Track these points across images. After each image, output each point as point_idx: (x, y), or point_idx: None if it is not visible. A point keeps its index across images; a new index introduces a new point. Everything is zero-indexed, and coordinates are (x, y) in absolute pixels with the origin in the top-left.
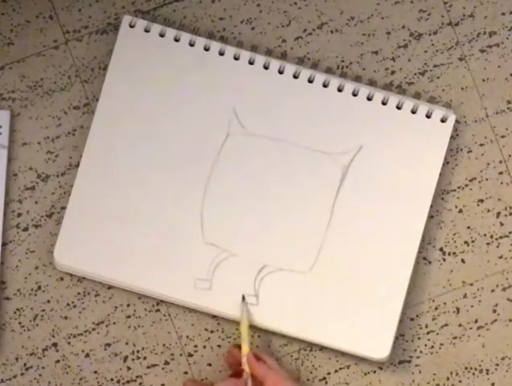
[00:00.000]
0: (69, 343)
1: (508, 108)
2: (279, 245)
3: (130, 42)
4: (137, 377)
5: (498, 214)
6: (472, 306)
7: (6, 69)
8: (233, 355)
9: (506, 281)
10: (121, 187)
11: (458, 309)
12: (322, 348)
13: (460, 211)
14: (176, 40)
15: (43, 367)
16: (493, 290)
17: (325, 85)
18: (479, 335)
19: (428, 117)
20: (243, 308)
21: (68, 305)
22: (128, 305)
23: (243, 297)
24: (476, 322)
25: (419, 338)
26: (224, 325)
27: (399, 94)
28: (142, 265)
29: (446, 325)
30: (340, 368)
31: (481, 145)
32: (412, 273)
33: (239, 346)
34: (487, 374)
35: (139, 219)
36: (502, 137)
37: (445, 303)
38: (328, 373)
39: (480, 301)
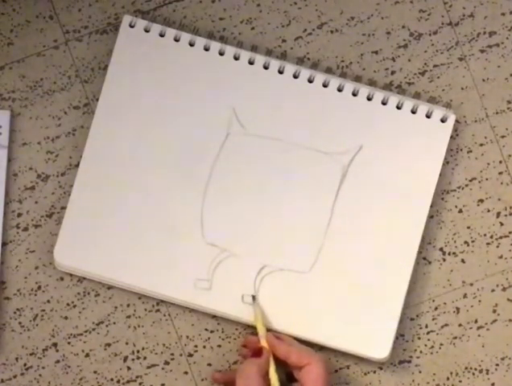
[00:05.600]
0: (69, 343)
1: (508, 108)
2: (279, 245)
3: (130, 42)
4: (137, 377)
5: (498, 214)
6: (472, 306)
7: (6, 69)
8: (249, 341)
9: (506, 281)
10: (121, 187)
11: (458, 309)
12: (322, 348)
13: (460, 211)
14: (176, 40)
15: (43, 367)
16: (493, 290)
17: (325, 85)
18: (479, 335)
19: (428, 117)
20: (255, 304)
21: (68, 305)
22: (128, 305)
23: (253, 297)
24: (476, 322)
25: (419, 338)
26: (224, 325)
27: (399, 94)
28: (142, 265)
29: (446, 325)
30: (340, 368)
31: (481, 145)
32: (412, 273)
33: (253, 334)
34: (487, 374)
35: (139, 219)
36: (502, 137)
37: (445, 303)
38: (328, 373)
39: (480, 301)
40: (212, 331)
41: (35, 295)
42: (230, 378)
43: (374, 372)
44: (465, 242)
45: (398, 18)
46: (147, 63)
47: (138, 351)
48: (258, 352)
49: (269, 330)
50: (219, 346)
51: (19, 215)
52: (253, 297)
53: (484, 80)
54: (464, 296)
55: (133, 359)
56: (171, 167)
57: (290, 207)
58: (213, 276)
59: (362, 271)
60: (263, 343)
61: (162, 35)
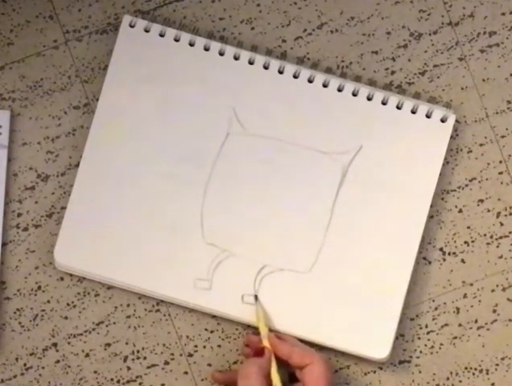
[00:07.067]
0: (69, 343)
1: (508, 108)
2: (279, 245)
3: (130, 42)
4: (137, 377)
5: (498, 214)
6: (472, 306)
7: (6, 69)
8: (251, 340)
9: (506, 281)
10: (121, 187)
11: (458, 309)
12: (322, 348)
13: (460, 211)
14: (176, 40)
15: (43, 367)
16: (493, 290)
17: (325, 85)
18: (479, 335)
19: (428, 117)
20: (257, 304)
21: (68, 305)
22: (128, 305)
23: (255, 297)
24: (476, 322)
25: (419, 338)
26: (224, 325)
27: (399, 94)
28: (142, 265)
29: (446, 325)
30: (340, 368)
31: (481, 145)
32: (412, 273)
33: (255, 333)
34: (487, 374)
35: (139, 220)
36: (502, 137)
37: (445, 303)
38: (331, 373)
39: (480, 301)
40: (212, 331)
41: (35, 295)
42: (230, 378)
43: (374, 372)
44: (465, 242)
45: (398, 18)
46: (147, 63)
47: (138, 351)
48: (259, 352)
49: (270, 330)
50: (219, 346)
51: (19, 215)
52: (256, 297)
53: (484, 80)
54: (464, 296)
55: (133, 359)
56: (171, 167)
57: (290, 207)
58: (213, 276)
59: (362, 271)
60: (265, 343)
61: (162, 35)
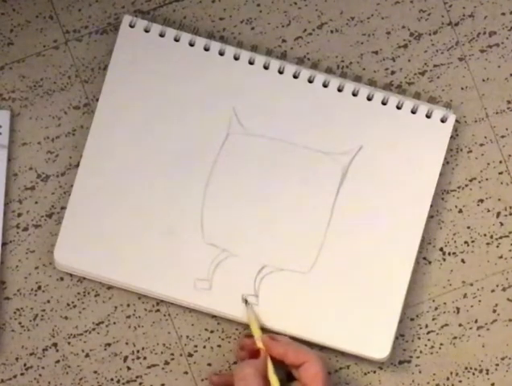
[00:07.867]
0: (69, 343)
1: (508, 108)
2: (279, 245)
3: (130, 42)
4: (137, 377)
5: (498, 214)
6: (472, 306)
7: (6, 69)
8: (246, 344)
9: (506, 281)
10: (121, 187)
11: (458, 309)
12: (322, 348)
13: (460, 211)
14: (176, 40)
15: (43, 367)
16: (493, 290)
17: (325, 85)
18: (479, 335)
19: (428, 117)
20: (248, 307)
21: (68, 305)
22: (128, 305)
23: (245, 301)
24: (476, 322)
25: (419, 338)
26: (224, 325)
27: (399, 94)
28: (142, 265)
29: (446, 325)
30: (340, 368)
31: (481, 145)
32: (412, 273)
33: (249, 336)
34: (487, 374)
35: (139, 219)
36: (502, 137)
37: (445, 303)
38: (328, 373)
39: (480, 301)
40: (212, 331)
41: (35, 295)
42: (228, 380)
43: (374, 372)
44: (465, 242)
45: (398, 18)
46: (147, 63)
47: (138, 351)
48: (255, 354)
49: (268, 330)
50: (219, 346)
51: (19, 215)
52: (246, 301)
53: (484, 80)
54: (464, 296)
55: (133, 359)
56: (171, 167)
57: (290, 207)
58: (213, 276)
59: (362, 271)
60: (259, 345)
61: (162, 35)
